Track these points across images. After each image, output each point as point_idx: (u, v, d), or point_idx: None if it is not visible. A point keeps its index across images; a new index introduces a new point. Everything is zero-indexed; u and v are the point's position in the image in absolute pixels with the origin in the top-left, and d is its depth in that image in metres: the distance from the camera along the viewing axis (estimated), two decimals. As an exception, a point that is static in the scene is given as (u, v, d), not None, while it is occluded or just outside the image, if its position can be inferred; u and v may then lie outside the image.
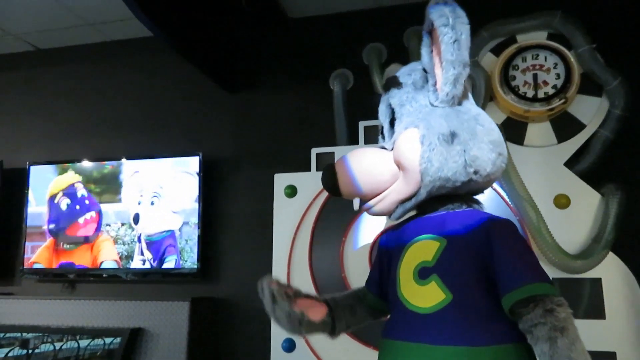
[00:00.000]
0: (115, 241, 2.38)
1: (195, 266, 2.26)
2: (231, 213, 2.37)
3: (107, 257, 2.38)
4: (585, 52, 1.79)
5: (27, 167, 2.58)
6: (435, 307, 0.93)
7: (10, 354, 2.22)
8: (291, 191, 2.03)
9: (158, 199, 2.33)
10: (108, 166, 2.47)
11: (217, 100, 2.48)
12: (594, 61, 1.78)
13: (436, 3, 0.99)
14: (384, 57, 2.21)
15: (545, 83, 1.83)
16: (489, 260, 0.93)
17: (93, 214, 2.41)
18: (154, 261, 2.31)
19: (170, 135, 2.52)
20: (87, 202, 2.44)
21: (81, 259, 2.42)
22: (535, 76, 1.84)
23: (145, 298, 2.20)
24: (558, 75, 1.81)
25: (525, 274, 0.90)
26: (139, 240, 2.34)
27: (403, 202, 1.04)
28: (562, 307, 0.86)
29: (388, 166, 1.04)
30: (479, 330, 0.90)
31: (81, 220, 2.42)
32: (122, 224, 2.38)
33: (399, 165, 1.02)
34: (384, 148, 1.10)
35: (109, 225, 2.40)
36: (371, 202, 1.07)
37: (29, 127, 2.77)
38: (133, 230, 2.36)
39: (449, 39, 0.96)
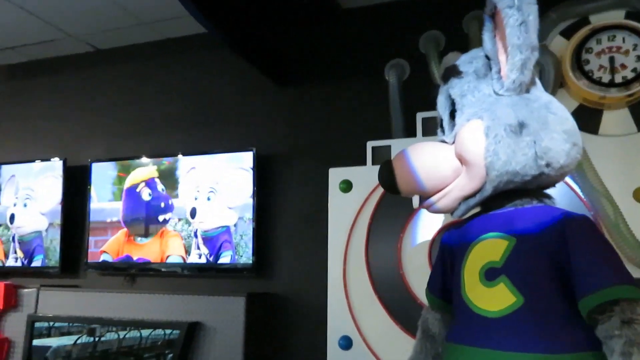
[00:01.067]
0: (175, 236, 2.43)
1: (250, 261, 2.26)
2: (286, 208, 2.36)
3: (174, 252, 2.41)
4: (670, 31, 1.63)
5: (89, 164, 2.67)
6: (505, 311, 0.87)
7: (78, 342, 2.35)
8: (346, 186, 1.98)
9: (214, 194, 2.35)
10: (165, 162, 2.50)
11: (270, 94, 2.47)
12: (681, 41, 1.62)
13: None
14: (442, 45, 2.11)
15: (624, 66, 1.68)
16: (564, 261, 0.86)
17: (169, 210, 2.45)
18: (210, 256, 2.33)
19: (224, 131, 2.54)
20: (164, 196, 2.47)
21: (150, 252, 2.46)
22: (611, 59, 1.69)
23: (202, 293, 2.23)
24: (638, 58, 1.66)
25: (605, 275, 0.83)
26: (195, 235, 2.36)
27: (466, 198, 0.99)
28: None
29: (450, 161, 0.99)
30: (554, 336, 0.83)
31: (160, 218, 2.46)
32: (179, 219, 2.42)
33: (462, 160, 0.97)
34: (444, 142, 1.05)
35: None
36: (433, 199, 1.02)
37: (90, 125, 2.87)
38: (190, 225, 2.39)
39: (515, 21, 0.90)
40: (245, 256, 2.28)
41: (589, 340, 0.83)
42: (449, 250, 1.08)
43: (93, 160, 2.68)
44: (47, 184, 2.70)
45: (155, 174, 2.48)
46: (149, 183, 2.49)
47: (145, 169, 2.51)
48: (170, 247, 2.41)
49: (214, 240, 2.33)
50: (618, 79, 1.67)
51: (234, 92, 2.56)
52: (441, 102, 1.09)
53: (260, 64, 2.31)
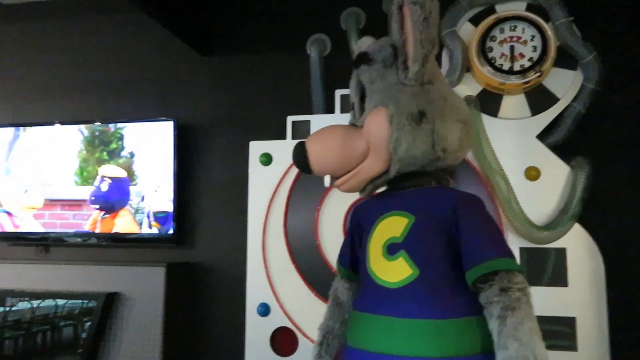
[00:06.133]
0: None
1: (171, 231, 2.27)
2: (207, 179, 2.36)
3: (125, 228, 2.34)
4: (562, 25, 1.78)
5: (-7, 128, 2.51)
6: (402, 282, 0.96)
7: (-14, 313, 2.24)
8: (266, 159, 2.02)
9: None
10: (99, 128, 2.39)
11: (191, 63, 2.42)
12: (571, 34, 1.78)
13: None
14: (362, 23, 2.17)
15: (522, 55, 1.82)
16: (455, 236, 0.97)
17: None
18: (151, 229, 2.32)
19: (143, 99, 2.46)
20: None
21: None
22: (512, 48, 1.83)
23: (121, 263, 2.21)
24: (535, 48, 1.81)
25: (487, 249, 0.94)
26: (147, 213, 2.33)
27: (373, 179, 1.06)
28: (517, 285, 0.90)
29: (358, 144, 1.04)
30: (444, 303, 0.94)
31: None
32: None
33: (369, 144, 1.03)
34: (354, 125, 1.10)
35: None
36: (341, 180, 1.08)
37: (-6, 87, 2.67)
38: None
39: (418, 16, 0.95)
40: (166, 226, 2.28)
41: (474, 307, 0.93)
42: (357, 224, 1.15)
43: (-1, 125, 2.52)
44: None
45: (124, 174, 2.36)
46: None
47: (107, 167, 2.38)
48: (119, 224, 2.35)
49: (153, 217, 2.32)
50: (517, 67, 1.82)
51: (154, 59, 2.48)
52: (352, 86, 1.14)
53: (180, 32, 2.24)
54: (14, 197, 2.47)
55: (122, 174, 2.35)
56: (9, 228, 2.46)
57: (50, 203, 2.42)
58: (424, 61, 1.00)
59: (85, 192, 2.39)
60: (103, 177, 2.36)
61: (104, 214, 2.36)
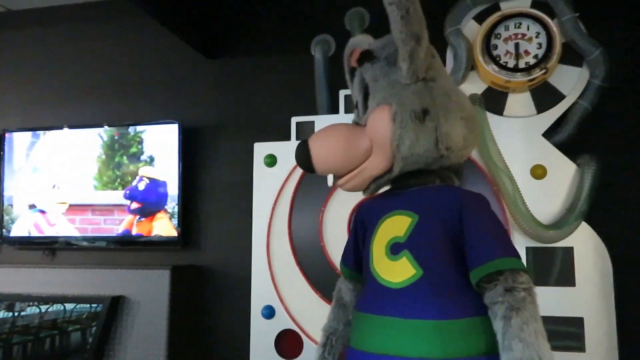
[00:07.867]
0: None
1: (176, 234, 2.27)
2: (211, 181, 2.36)
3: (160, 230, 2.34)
4: (568, 21, 1.76)
5: (2, 134, 2.53)
6: (405, 282, 0.95)
7: (-3, 318, 2.24)
8: (271, 160, 2.02)
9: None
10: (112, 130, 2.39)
11: (195, 66, 2.43)
12: (576, 30, 1.76)
13: None
14: (366, 23, 2.15)
15: (527, 53, 1.81)
16: (459, 236, 0.95)
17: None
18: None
19: (148, 102, 2.47)
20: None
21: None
22: (517, 45, 1.82)
23: (126, 266, 2.21)
24: (540, 45, 1.79)
25: (492, 249, 0.92)
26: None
27: (376, 178, 1.05)
28: (522, 285, 0.88)
29: (361, 143, 1.03)
30: (447, 304, 0.93)
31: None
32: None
33: (372, 142, 1.02)
34: (357, 124, 1.10)
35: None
36: (344, 179, 1.07)
37: (3, 93, 2.69)
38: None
39: (396, 15, 0.94)
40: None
41: (478, 307, 0.92)
42: (361, 223, 1.14)
43: (6, 130, 2.53)
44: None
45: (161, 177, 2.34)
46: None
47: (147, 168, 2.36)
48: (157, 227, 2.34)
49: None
50: (522, 64, 1.80)
51: (159, 62, 2.49)
52: (356, 84, 1.13)
53: (185, 35, 2.25)
54: (43, 194, 2.45)
55: (160, 176, 2.33)
56: (45, 228, 2.44)
57: (80, 208, 2.40)
58: (411, 59, 0.98)
59: (107, 197, 2.37)
60: (142, 176, 2.33)
61: (140, 218, 2.34)
